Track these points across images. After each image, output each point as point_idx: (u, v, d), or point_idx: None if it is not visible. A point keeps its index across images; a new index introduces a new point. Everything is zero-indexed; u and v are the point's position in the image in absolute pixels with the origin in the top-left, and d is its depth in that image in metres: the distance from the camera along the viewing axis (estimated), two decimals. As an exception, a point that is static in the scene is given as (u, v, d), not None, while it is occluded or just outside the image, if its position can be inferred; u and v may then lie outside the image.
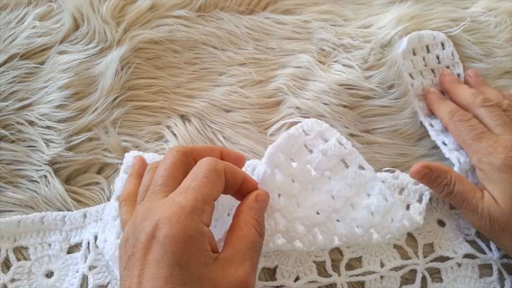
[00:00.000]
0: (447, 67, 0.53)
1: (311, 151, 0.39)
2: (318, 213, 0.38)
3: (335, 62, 0.53)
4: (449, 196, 0.43)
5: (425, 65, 0.53)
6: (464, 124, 0.45)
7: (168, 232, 0.29)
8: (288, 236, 0.38)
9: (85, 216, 0.45)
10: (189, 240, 0.30)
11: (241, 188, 0.37)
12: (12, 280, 0.43)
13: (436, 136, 0.49)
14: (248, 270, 0.31)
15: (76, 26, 0.53)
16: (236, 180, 0.36)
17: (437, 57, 0.53)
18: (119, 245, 0.34)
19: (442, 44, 0.53)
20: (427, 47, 0.53)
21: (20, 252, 0.45)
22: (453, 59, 0.53)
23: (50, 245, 0.45)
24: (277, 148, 0.38)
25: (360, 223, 0.38)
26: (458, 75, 0.53)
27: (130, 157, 0.45)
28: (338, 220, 0.39)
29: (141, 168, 0.43)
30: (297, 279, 0.43)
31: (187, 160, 0.36)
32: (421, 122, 0.51)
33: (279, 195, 0.38)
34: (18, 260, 0.44)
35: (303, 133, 0.39)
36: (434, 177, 0.43)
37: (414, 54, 0.53)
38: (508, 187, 0.40)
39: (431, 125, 0.49)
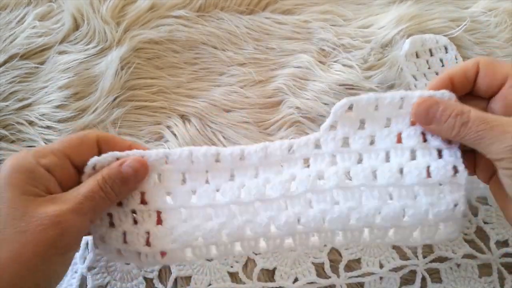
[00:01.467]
0: None
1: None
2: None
3: (335, 62, 0.53)
4: (466, 126, 0.33)
5: (429, 68, 0.53)
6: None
7: (12, 164, 0.32)
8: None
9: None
10: (20, 170, 0.32)
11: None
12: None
13: None
14: (67, 208, 0.32)
15: (76, 26, 0.53)
16: (117, 148, 0.36)
17: (441, 60, 0.53)
18: None
19: (445, 48, 0.54)
20: (430, 50, 0.53)
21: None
22: (456, 62, 0.53)
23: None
24: (379, 100, 0.35)
25: (411, 213, 0.34)
26: None
27: None
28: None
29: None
30: (296, 280, 0.43)
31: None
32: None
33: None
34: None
35: None
36: (441, 110, 0.34)
37: (417, 57, 0.53)
38: None
39: None
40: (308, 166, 0.36)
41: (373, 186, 0.34)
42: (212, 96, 0.51)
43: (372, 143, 0.36)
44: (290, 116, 0.50)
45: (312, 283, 0.43)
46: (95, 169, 0.35)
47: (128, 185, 0.35)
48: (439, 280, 0.44)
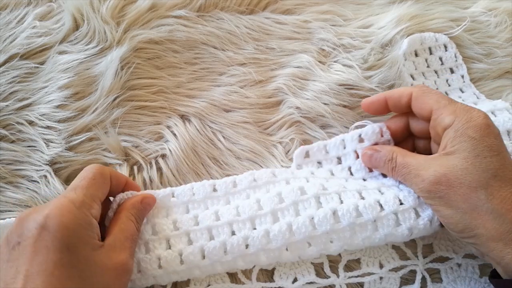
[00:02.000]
0: (451, 68, 0.53)
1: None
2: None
3: (335, 62, 0.53)
4: (394, 170, 0.40)
5: (428, 67, 0.53)
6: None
7: (59, 220, 0.32)
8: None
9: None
10: (78, 228, 0.33)
11: (124, 190, 0.42)
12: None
13: None
14: (128, 255, 0.36)
15: (76, 26, 0.53)
16: (119, 182, 0.41)
17: (440, 58, 0.53)
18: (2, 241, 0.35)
19: (445, 46, 0.54)
20: (430, 49, 0.53)
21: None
22: (456, 61, 0.53)
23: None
24: (326, 145, 0.47)
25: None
26: (462, 76, 0.53)
27: None
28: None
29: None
30: (295, 280, 0.43)
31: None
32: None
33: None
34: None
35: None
36: (379, 157, 0.42)
37: (416, 55, 0.53)
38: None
39: None
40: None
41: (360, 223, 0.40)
42: (212, 96, 0.51)
43: (332, 174, 0.46)
44: (290, 116, 0.50)
45: (311, 283, 0.43)
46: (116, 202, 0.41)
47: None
48: (440, 280, 0.44)
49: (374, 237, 0.40)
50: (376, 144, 0.44)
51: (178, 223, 0.41)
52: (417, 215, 0.40)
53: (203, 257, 0.40)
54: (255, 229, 0.40)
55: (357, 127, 0.46)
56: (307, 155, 0.46)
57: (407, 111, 0.43)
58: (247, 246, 0.40)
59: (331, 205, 0.40)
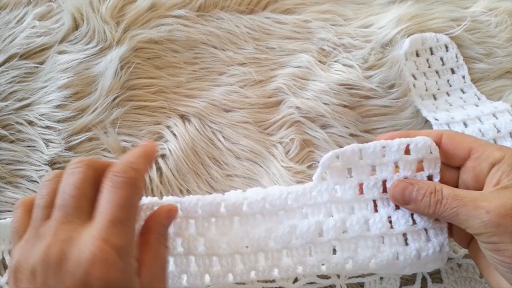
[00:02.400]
0: (452, 69, 0.53)
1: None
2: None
3: (335, 61, 0.52)
4: (440, 203, 0.34)
5: (429, 67, 0.53)
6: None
7: (104, 278, 0.27)
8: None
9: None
10: (124, 284, 0.28)
11: None
12: (11, 282, 0.43)
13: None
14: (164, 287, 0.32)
15: (76, 26, 0.53)
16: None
17: (441, 59, 0.53)
18: (10, 273, 0.29)
19: (446, 47, 0.54)
20: (431, 49, 0.53)
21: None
22: (457, 61, 0.53)
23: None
24: (362, 149, 0.38)
25: (378, 262, 0.37)
26: (463, 77, 0.53)
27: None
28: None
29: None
30: (295, 280, 0.43)
31: (98, 176, 0.32)
32: (423, 120, 0.50)
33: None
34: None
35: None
36: (416, 190, 0.36)
37: (417, 55, 0.53)
38: None
39: (436, 119, 0.49)
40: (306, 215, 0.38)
41: (367, 236, 0.37)
42: (212, 96, 0.51)
43: (361, 192, 0.38)
44: (290, 116, 0.50)
45: (312, 283, 0.43)
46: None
47: None
48: (440, 281, 0.44)
49: (380, 255, 0.37)
50: (421, 161, 0.38)
51: (182, 241, 0.37)
52: (428, 238, 0.37)
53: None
54: (260, 265, 0.37)
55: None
56: (337, 159, 0.38)
57: None
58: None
59: (346, 254, 0.37)
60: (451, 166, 0.38)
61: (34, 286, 0.27)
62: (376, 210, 0.38)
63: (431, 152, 0.37)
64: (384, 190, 0.38)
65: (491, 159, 0.35)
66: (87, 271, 0.26)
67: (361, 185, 0.38)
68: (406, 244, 0.37)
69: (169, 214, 0.35)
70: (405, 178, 0.37)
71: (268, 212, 0.38)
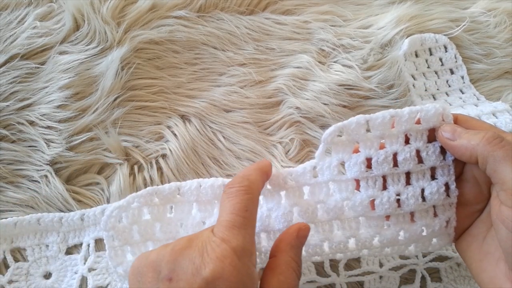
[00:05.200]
0: (451, 69, 0.54)
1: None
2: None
3: (334, 62, 0.53)
4: (500, 141, 0.31)
5: (428, 67, 0.53)
6: None
7: (220, 275, 0.28)
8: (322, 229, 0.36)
9: (82, 218, 0.45)
10: (240, 285, 0.29)
11: None
12: (10, 282, 0.43)
13: None
14: None
15: (77, 27, 0.53)
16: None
17: (440, 59, 0.54)
18: (143, 260, 0.31)
19: (445, 47, 0.54)
20: (430, 50, 0.54)
21: (19, 253, 0.45)
22: (456, 62, 0.54)
23: (47, 246, 0.45)
24: (370, 120, 0.35)
25: (382, 239, 0.36)
26: (462, 77, 0.53)
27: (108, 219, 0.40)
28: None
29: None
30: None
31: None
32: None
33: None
34: (16, 261, 0.44)
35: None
36: (469, 131, 0.33)
37: (417, 56, 0.54)
38: None
39: None
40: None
41: (371, 216, 0.35)
42: (212, 96, 0.51)
43: (368, 167, 0.35)
44: (290, 116, 0.50)
45: (312, 281, 0.43)
46: None
47: None
48: (439, 280, 0.44)
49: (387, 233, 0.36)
50: (433, 130, 0.34)
51: (184, 226, 0.38)
52: (435, 214, 0.35)
53: None
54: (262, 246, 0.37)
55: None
56: (340, 134, 0.35)
57: None
58: None
59: (347, 233, 0.36)
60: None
61: (154, 269, 0.30)
62: (384, 188, 0.35)
63: (443, 120, 0.34)
64: (395, 164, 0.35)
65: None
66: (211, 270, 0.28)
67: (369, 160, 0.35)
68: (413, 221, 0.35)
69: (299, 233, 0.34)
70: (417, 150, 0.34)
71: (270, 193, 0.37)
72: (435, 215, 0.35)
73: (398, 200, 0.35)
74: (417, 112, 0.34)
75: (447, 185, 0.35)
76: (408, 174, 0.35)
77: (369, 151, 0.35)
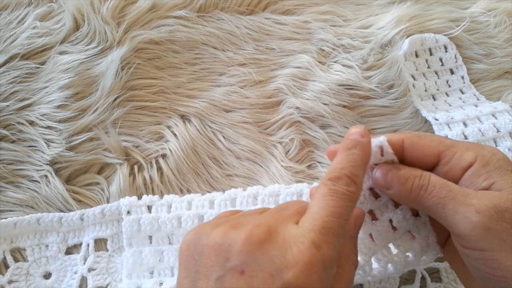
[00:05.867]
0: (451, 69, 0.54)
1: None
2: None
3: (334, 62, 0.53)
4: (425, 189, 0.30)
5: (428, 67, 0.53)
6: None
7: (305, 284, 0.25)
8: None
9: (82, 218, 0.45)
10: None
11: None
12: (10, 282, 0.43)
13: (439, 130, 0.49)
14: None
15: (77, 27, 0.53)
16: None
17: (440, 59, 0.54)
18: (204, 238, 0.28)
19: (445, 47, 0.54)
20: (430, 50, 0.54)
21: (19, 253, 0.45)
22: (456, 62, 0.54)
23: (47, 246, 0.45)
24: None
25: (396, 266, 0.36)
26: (462, 77, 0.53)
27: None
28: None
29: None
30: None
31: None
32: (422, 121, 0.51)
33: None
34: (16, 261, 0.44)
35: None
36: (400, 174, 0.32)
37: (417, 56, 0.53)
38: None
39: (436, 119, 0.49)
40: None
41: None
42: (212, 96, 0.51)
43: None
44: (290, 116, 0.50)
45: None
46: None
47: None
48: (439, 280, 0.44)
49: None
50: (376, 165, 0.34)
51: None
52: (413, 237, 0.35)
53: None
54: None
55: None
56: None
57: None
58: None
59: None
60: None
61: (226, 263, 0.26)
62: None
63: (382, 155, 0.33)
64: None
65: (463, 163, 0.31)
66: (288, 265, 0.25)
67: None
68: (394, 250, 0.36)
69: (356, 221, 0.32)
70: (370, 188, 0.35)
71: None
72: (413, 237, 0.35)
73: (371, 236, 0.35)
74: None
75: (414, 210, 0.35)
76: (371, 212, 0.35)
77: None
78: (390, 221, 0.35)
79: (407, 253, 0.35)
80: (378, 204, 0.35)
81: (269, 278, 0.25)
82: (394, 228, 0.35)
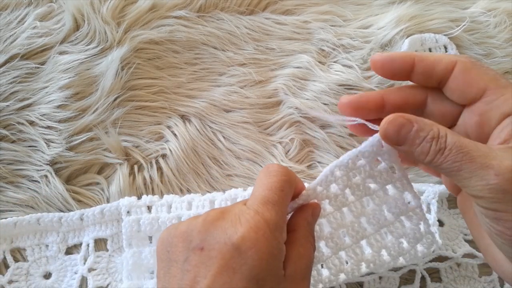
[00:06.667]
0: None
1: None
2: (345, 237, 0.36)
3: (334, 62, 0.53)
4: (441, 153, 0.29)
5: None
6: None
7: (256, 248, 0.29)
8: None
9: (82, 218, 0.45)
10: (270, 257, 0.29)
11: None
12: (10, 282, 0.43)
13: None
14: (307, 287, 0.32)
15: (77, 27, 0.53)
16: (297, 189, 0.35)
17: None
18: (172, 231, 0.32)
19: (445, 47, 0.54)
20: (430, 50, 0.54)
21: (19, 253, 0.45)
22: None
23: (47, 246, 0.45)
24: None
25: (390, 252, 0.36)
26: None
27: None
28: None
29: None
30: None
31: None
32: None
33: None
34: (16, 261, 0.44)
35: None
36: (415, 130, 0.29)
37: (416, 56, 0.53)
38: None
39: None
40: None
41: (342, 248, 0.36)
42: (212, 96, 0.51)
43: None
44: (290, 116, 0.50)
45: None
46: None
47: None
48: (439, 280, 0.44)
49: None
50: (376, 161, 0.34)
51: None
52: (405, 223, 0.36)
53: None
54: None
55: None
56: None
57: (434, 85, 0.33)
58: None
59: (333, 270, 0.36)
60: (456, 102, 0.32)
61: (184, 243, 0.31)
62: None
63: (382, 147, 0.33)
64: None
65: (506, 108, 0.29)
66: (242, 236, 0.29)
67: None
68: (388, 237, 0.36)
69: (314, 211, 0.34)
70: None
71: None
72: (405, 223, 0.35)
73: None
74: (356, 155, 0.34)
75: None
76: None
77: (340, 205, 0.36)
78: (383, 208, 0.35)
79: (400, 239, 0.36)
80: (371, 192, 0.35)
81: (224, 246, 0.29)
82: (385, 216, 0.35)
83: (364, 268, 0.36)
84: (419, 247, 0.37)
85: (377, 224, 0.35)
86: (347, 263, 0.36)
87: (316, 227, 0.35)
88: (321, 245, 0.36)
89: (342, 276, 0.36)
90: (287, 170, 0.33)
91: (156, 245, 0.32)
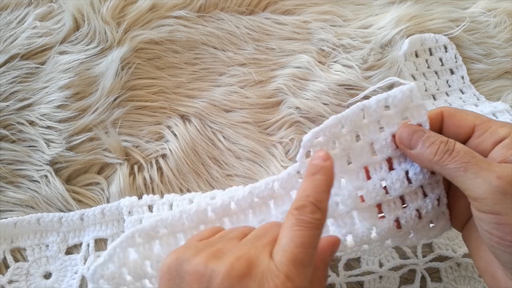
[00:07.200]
0: (451, 69, 0.54)
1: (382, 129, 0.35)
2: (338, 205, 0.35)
3: (334, 62, 0.53)
4: (449, 154, 0.32)
5: (428, 67, 0.53)
6: None
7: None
8: None
9: (82, 218, 0.45)
10: None
11: None
12: (10, 282, 0.43)
13: None
14: None
15: (77, 27, 0.53)
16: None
17: (440, 59, 0.54)
18: (184, 264, 0.29)
19: (445, 47, 0.54)
20: (430, 50, 0.54)
21: (19, 253, 0.45)
22: (456, 62, 0.54)
23: (47, 246, 0.45)
24: (342, 118, 0.34)
25: (379, 231, 0.35)
26: (462, 77, 0.53)
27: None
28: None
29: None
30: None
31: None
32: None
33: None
34: (16, 261, 0.44)
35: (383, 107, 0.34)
36: (426, 136, 0.33)
37: (417, 56, 0.54)
38: None
39: None
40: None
41: (363, 208, 0.35)
42: (212, 96, 0.51)
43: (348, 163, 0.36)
44: (290, 116, 0.50)
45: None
46: None
47: None
48: (439, 280, 0.44)
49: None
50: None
51: None
52: (424, 194, 0.35)
53: None
54: None
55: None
56: (318, 136, 0.35)
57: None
58: None
59: (343, 230, 0.36)
60: None
61: (199, 281, 0.28)
62: (369, 178, 0.35)
63: (412, 101, 0.34)
64: (375, 153, 0.35)
65: (496, 137, 0.32)
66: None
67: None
68: (404, 205, 0.35)
69: (333, 249, 0.34)
70: (393, 135, 0.35)
71: (258, 205, 0.36)
72: (425, 195, 0.35)
73: (385, 187, 0.35)
74: (384, 99, 0.34)
75: None
76: (389, 160, 0.35)
77: (350, 144, 0.35)
78: (407, 172, 0.35)
79: (416, 210, 0.35)
80: (398, 153, 0.35)
81: None
82: (409, 181, 0.35)
83: (349, 240, 0.36)
84: (432, 224, 0.36)
85: (399, 189, 0.35)
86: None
87: None
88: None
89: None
90: (320, 218, 0.30)
91: (161, 268, 0.31)
